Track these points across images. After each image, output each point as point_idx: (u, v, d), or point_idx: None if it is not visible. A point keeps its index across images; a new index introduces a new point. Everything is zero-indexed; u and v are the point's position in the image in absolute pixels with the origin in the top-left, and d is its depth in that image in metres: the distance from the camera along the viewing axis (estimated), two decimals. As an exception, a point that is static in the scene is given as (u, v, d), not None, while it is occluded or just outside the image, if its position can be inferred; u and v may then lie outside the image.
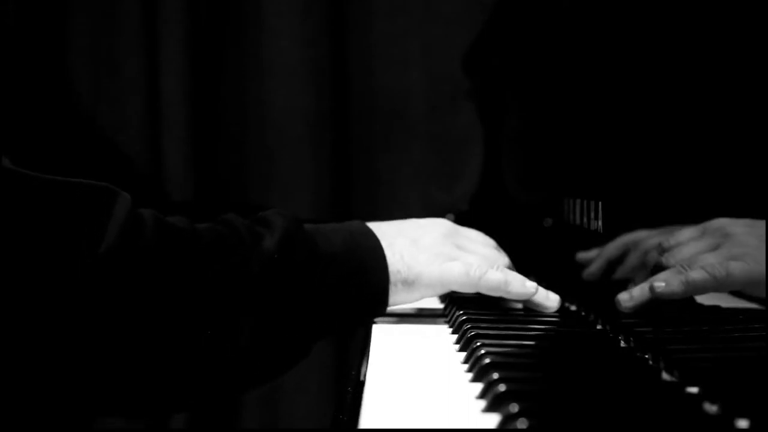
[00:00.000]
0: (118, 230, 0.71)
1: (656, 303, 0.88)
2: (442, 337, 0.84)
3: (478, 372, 0.67)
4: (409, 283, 0.87)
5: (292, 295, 0.80)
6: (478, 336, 0.77)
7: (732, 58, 0.98)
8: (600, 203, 1.01)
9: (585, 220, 1.05)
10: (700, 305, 0.91)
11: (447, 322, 0.89)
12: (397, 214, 1.80)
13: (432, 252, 0.89)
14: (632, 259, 1.06)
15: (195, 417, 1.86)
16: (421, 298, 0.89)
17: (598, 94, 1.12)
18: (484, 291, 0.89)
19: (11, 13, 1.69)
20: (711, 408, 0.59)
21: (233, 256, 0.77)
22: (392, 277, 0.87)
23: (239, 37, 1.90)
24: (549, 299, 0.91)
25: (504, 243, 1.04)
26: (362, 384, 0.69)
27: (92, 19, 1.88)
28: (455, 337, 0.82)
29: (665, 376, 0.69)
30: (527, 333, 0.83)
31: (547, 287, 0.92)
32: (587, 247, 1.13)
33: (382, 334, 0.84)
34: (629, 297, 0.89)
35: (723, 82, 0.99)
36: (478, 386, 0.64)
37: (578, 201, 1.07)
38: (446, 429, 0.57)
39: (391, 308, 0.90)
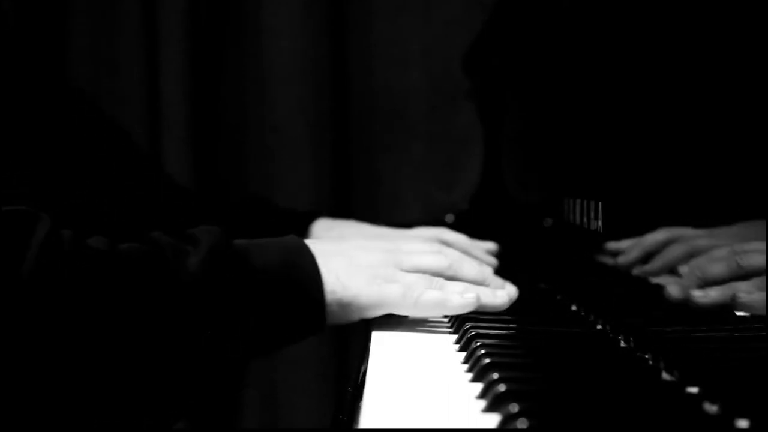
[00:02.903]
0: (38, 251, 0.71)
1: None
2: (442, 337, 0.84)
3: (478, 372, 0.67)
4: (344, 305, 0.83)
5: (220, 312, 0.77)
6: (478, 336, 0.77)
7: (733, 59, 0.98)
8: (600, 203, 1.01)
9: (585, 220, 1.05)
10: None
11: (447, 322, 0.89)
12: (397, 214, 1.81)
13: (369, 273, 0.85)
14: (677, 253, 1.04)
15: (194, 417, 1.86)
16: (359, 319, 0.85)
17: (598, 94, 1.12)
18: (424, 312, 0.86)
19: (10, 12, 1.69)
20: (711, 408, 0.59)
21: (155, 274, 0.75)
22: (327, 297, 0.82)
23: (239, 37, 1.90)
24: (497, 297, 0.88)
25: (504, 243, 1.04)
26: (362, 384, 0.69)
27: (92, 19, 1.88)
28: (455, 337, 0.82)
29: (665, 376, 0.69)
30: (527, 333, 0.83)
31: (548, 287, 0.92)
32: (587, 247, 1.13)
33: (382, 333, 0.84)
34: (704, 294, 0.88)
35: (722, 82, 0.99)
36: (478, 386, 0.64)
37: (578, 201, 1.07)
38: (446, 429, 0.57)
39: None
